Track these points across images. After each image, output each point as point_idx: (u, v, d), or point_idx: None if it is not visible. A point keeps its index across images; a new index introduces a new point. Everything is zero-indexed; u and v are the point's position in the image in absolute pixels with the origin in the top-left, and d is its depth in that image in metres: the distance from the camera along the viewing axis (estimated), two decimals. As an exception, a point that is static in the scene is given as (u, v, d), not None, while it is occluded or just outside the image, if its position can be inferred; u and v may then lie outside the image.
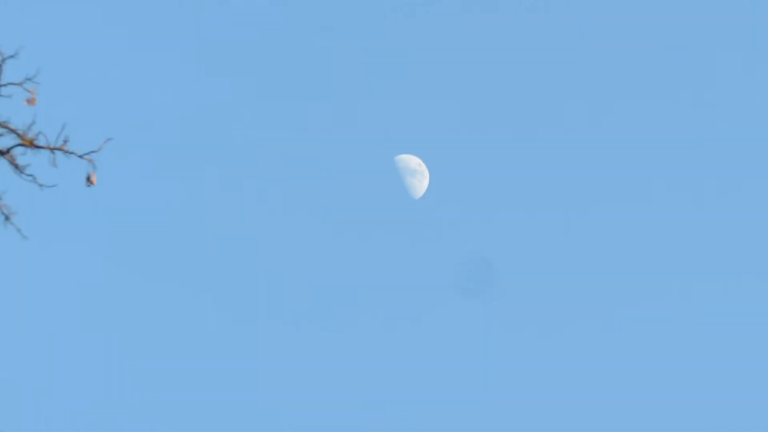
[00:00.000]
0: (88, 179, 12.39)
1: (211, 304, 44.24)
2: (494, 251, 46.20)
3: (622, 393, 44.85)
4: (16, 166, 12.14)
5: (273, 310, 43.38)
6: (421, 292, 44.58)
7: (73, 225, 39.13)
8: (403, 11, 47.14)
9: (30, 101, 12.14)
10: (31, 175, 12.20)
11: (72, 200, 13.54)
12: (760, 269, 49.13)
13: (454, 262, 41.07)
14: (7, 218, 12.13)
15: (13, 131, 12.08)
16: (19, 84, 12.08)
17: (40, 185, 12.22)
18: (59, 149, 12.18)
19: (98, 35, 44.91)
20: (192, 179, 43.45)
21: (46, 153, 12.21)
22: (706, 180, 51.12)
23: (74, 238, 42.25)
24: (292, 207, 42.10)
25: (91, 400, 40.78)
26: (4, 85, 11.98)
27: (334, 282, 43.46)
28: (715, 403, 44.64)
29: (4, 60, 11.93)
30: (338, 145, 40.66)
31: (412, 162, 29.11)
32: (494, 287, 43.05)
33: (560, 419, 43.73)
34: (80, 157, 12.28)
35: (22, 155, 12.23)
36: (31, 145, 12.13)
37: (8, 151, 12.12)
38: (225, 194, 42.60)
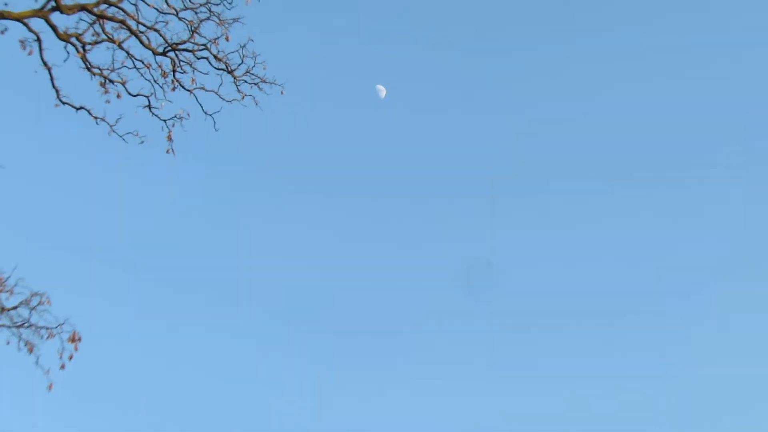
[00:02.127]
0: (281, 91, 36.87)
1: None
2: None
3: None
4: (255, 102, 36.52)
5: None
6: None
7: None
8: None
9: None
10: (253, 99, 36.59)
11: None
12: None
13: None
14: (256, 104, 36.58)
15: (257, 77, 36.40)
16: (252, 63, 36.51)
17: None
18: (273, 82, 36.62)
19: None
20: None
21: (267, 86, 36.66)
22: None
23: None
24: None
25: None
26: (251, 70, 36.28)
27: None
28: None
29: (245, 57, 36.29)
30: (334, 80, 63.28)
31: (381, 87, 57.13)
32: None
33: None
34: (278, 85, 36.69)
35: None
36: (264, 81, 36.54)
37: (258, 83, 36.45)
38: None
